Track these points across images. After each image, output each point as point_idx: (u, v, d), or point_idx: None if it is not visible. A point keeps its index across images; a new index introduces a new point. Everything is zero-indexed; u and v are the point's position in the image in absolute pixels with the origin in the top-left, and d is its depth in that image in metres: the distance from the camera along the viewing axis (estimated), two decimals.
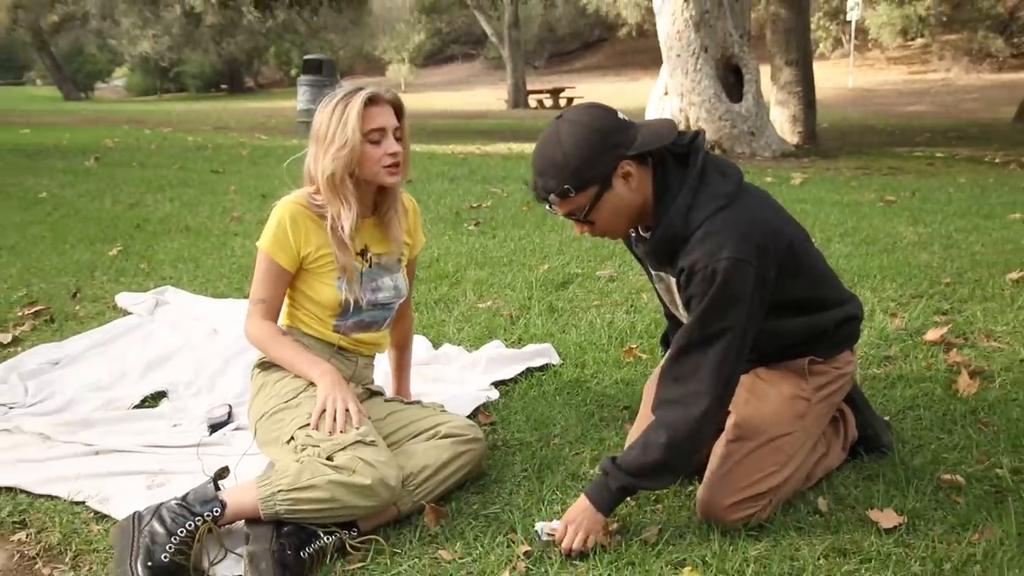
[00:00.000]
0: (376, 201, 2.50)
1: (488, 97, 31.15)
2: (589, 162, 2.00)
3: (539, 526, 2.15)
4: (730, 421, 2.23)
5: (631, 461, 2.06)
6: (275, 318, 2.46)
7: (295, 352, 2.41)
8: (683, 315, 2.25)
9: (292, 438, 2.26)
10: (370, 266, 2.49)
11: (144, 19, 35.65)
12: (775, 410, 2.21)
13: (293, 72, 38.77)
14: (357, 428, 2.21)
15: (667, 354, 2.12)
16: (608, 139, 2.01)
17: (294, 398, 2.34)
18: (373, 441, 2.19)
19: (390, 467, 2.15)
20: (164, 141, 13.40)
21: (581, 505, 2.10)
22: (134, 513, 2.11)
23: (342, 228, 2.36)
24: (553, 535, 2.10)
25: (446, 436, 2.39)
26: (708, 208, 2.03)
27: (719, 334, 2.01)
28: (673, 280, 2.16)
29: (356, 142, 2.29)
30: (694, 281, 2.00)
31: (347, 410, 2.25)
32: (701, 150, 2.09)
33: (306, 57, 15.54)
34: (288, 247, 2.37)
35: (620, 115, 2.05)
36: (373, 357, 2.65)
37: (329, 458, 2.13)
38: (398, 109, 2.40)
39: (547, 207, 2.11)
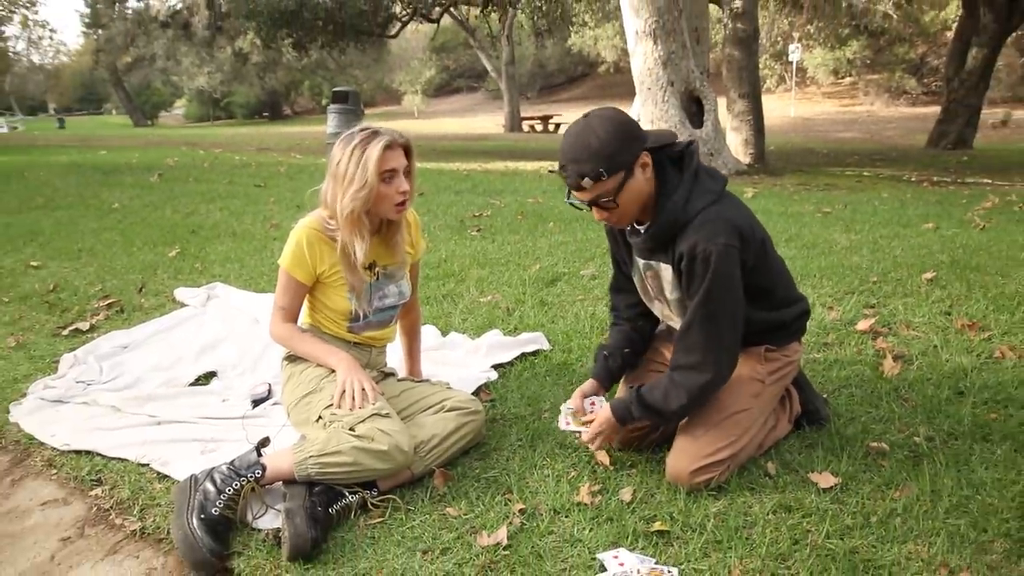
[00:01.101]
0: (382, 222, 2.45)
1: (488, 123, 31.10)
2: (619, 150, 1.97)
3: (561, 420, 2.32)
4: None
5: (652, 402, 2.12)
6: (294, 321, 2.43)
7: (315, 344, 2.38)
8: (664, 305, 2.24)
9: (320, 417, 2.24)
10: (377, 278, 2.45)
11: (201, 59, 35.79)
12: (734, 389, 2.19)
13: (324, 101, 38.59)
14: (373, 404, 2.20)
15: (680, 327, 2.10)
16: (632, 132, 2.00)
17: (318, 384, 2.32)
18: (388, 414, 2.18)
19: (403, 435, 2.14)
20: (215, 160, 13.33)
21: (606, 415, 2.20)
22: (191, 475, 2.11)
23: (355, 256, 2.31)
24: (570, 425, 2.30)
25: (452, 409, 2.38)
26: (703, 200, 2.04)
27: (718, 310, 2.02)
28: (666, 267, 2.13)
29: (374, 185, 2.23)
30: (696, 262, 1.99)
31: (363, 389, 2.23)
32: (695, 155, 2.09)
33: (335, 89, 15.46)
34: (305, 265, 2.33)
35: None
36: (385, 346, 2.62)
37: (351, 429, 2.13)
38: (408, 151, 2.34)
39: (568, 199, 2.08)
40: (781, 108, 26.86)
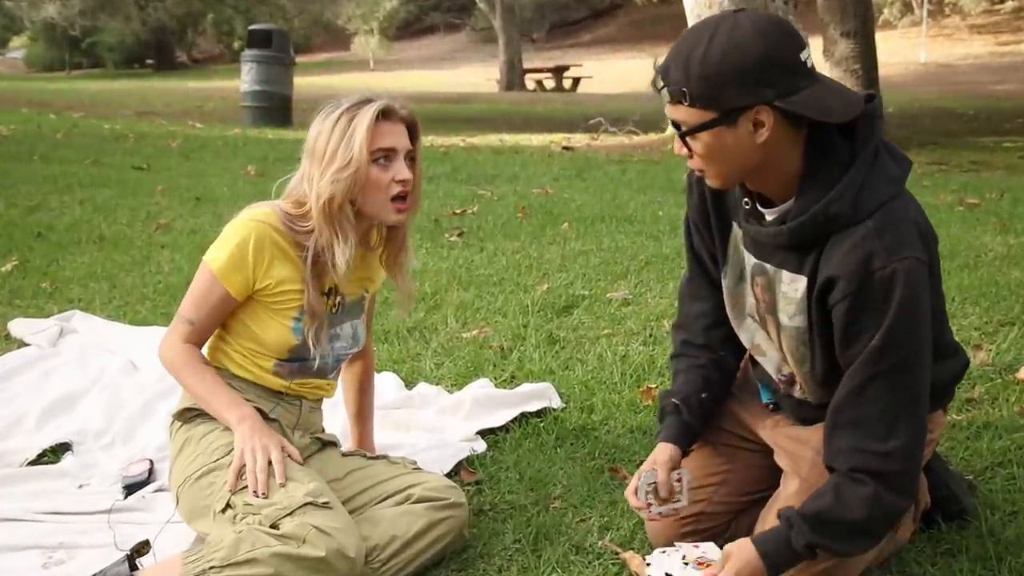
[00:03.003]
0: (369, 231, 2.49)
1: (476, 77, 31.32)
2: (723, 82, 1.88)
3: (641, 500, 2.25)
4: (793, 486, 2.19)
5: (828, 516, 1.99)
6: (200, 344, 2.44)
7: (214, 387, 2.38)
8: (768, 330, 2.19)
9: (228, 505, 2.23)
10: (337, 310, 2.47)
11: None
12: None
13: (236, 45, 38.91)
14: (281, 483, 2.19)
15: (843, 392, 2.01)
16: (764, 72, 1.87)
17: (225, 456, 2.31)
18: (327, 503, 2.18)
19: (349, 535, 2.13)
20: (73, 129, 13.40)
21: (749, 559, 2.03)
22: None
23: (333, 265, 2.33)
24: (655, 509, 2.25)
25: (420, 500, 2.38)
26: (884, 193, 1.95)
27: (908, 359, 1.95)
28: (794, 277, 2.05)
29: (362, 162, 2.27)
30: (872, 287, 1.90)
31: (271, 462, 2.23)
32: (877, 122, 2.01)
33: (252, 27, 15.64)
34: (244, 272, 2.34)
35: (805, 53, 1.91)
36: (321, 400, 2.64)
37: (273, 526, 2.12)
38: (413, 130, 2.39)
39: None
40: (906, 50, 27.05)
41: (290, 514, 2.13)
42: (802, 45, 1.91)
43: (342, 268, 2.33)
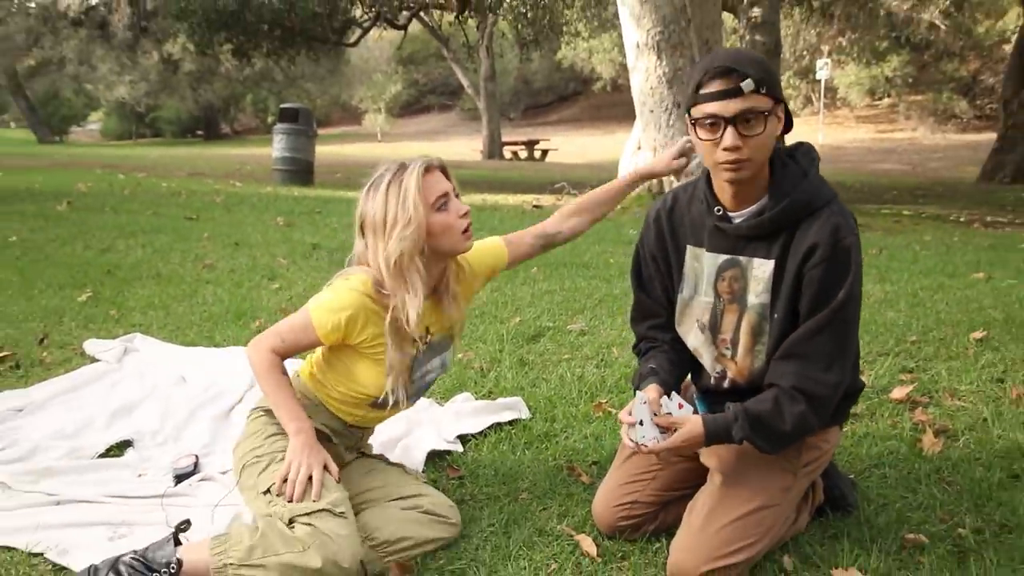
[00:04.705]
0: (442, 278, 2.40)
1: (463, 147, 31.36)
2: (775, 78, 2.05)
3: (638, 414, 2.18)
4: (716, 482, 2.23)
5: (765, 419, 2.09)
6: (285, 358, 2.34)
7: (285, 397, 2.31)
8: (721, 319, 2.24)
9: (268, 491, 2.23)
10: (425, 349, 2.40)
11: (121, 65, 35.82)
12: (764, 482, 2.19)
13: (269, 119, 38.90)
14: (316, 500, 2.17)
15: (799, 334, 2.10)
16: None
17: (280, 456, 2.29)
18: (343, 513, 2.15)
19: (349, 544, 2.10)
20: (137, 186, 13.36)
21: (694, 431, 2.12)
22: (90, 567, 2.09)
23: (407, 319, 2.23)
24: (642, 428, 2.16)
25: (427, 512, 2.37)
26: (831, 192, 2.12)
27: (854, 314, 2.10)
28: (763, 262, 2.14)
29: (422, 217, 2.20)
30: (838, 252, 2.04)
31: (311, 478, 2.20)
32: (814, 153, 2.17)
33: (283, 105, 15.61)
34: (336, 331, 2.25)
35: None
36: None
37: (291, 522, 2.11)
38: (446, 173, 2.34)
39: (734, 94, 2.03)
40: (807, 134, 27.28)
41: (307, 515, 2.11)
42: None
43: (414, 320, 2.23)
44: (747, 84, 1.99)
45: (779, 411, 2.08)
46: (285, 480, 2.21)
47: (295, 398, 2.34)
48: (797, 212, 2.09)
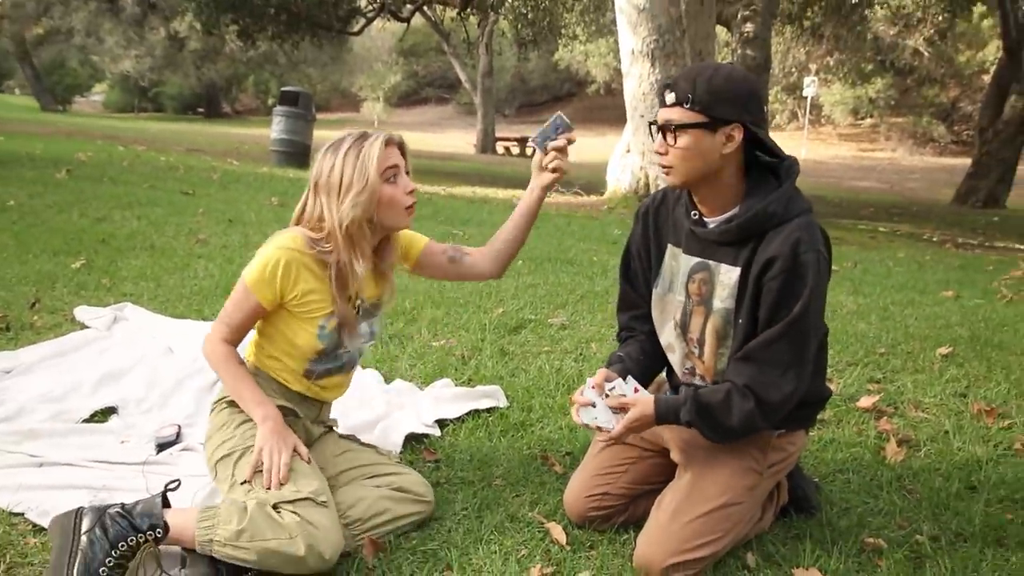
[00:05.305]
0: (380, 242, 2.42)
1: (458, 140, 31.30)
2: (721, 99, 2.04)
3: (589, 400, 2.21)
4: (684, 479, 2.24)
5: (712, 408, 2.11)
6: (236, 343, 2.37)
7: (245, 385, 2.32)
8: (690, 319, 2.25)
9: (247, 481, 2.19)
10: (358, 313, 2.41)
11: (128, 39, 35.55)
12: (730, 480, 2.20)
13: (270, 101, 38.64)
14: (282, 483, 2.14)
15: (756, 343, 2.10)
16: (748, 102, 2.07)
17: (251, 445, 2.26)
18: (325, 502, 2.13)
19: (331, 534, 2.07)
20: (136, 159, 13.24)
21: (645, 411, 2.16)
22: (78, 509, 2.06)
23: (354, 277, 2.28)
24: (592, 412, 2.20)
25: (400, 490, 2.36)
26: (803, 205, 2.13)
27: (811, 327, 2.09)
28: (730, 269, 2.15)
29: (376, 184, 2.22)
30: (797, 265, 2.04)
31: (284, 465, 2.17)
32: (795, 168, 2.17)
33: (284, 88, 15.53)
34: (272, 288, 2.25)
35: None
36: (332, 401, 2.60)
37: (275, 507, 2.08)
38: (403, 150, 2.34)
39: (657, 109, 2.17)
40: (791, 148, 27.15)
41: (292, 502, 2.09)
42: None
43: (360, 278, 2.29)
44: (669, 97, 2.08)
45: (728, 405, 2.10)
46: (259, 470, 2.18)
47: (255, 385, 2.34)
48: (763, 223, 2.10)
